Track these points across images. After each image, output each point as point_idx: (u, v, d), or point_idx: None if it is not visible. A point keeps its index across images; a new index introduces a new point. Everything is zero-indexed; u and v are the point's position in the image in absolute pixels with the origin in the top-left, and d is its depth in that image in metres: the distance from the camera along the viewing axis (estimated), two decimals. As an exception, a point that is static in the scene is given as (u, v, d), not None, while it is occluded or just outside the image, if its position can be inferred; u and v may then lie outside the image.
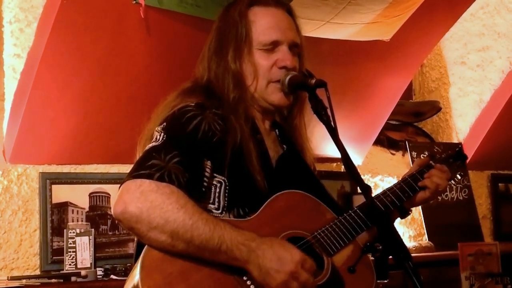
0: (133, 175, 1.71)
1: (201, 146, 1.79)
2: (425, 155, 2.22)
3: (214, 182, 1.82)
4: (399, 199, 2.03)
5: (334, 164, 4.48)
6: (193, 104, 1.85)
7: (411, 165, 2.32)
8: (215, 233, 1.69)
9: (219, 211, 1.82)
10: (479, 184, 5.22)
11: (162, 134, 1.80)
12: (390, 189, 2.04)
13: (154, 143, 1.79)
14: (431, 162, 2.11)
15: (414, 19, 3.81)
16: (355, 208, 1.94)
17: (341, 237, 1.88)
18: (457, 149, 2.18)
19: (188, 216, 1.68)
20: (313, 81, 1.86)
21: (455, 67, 5.18)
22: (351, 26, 3.55)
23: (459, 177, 2.19)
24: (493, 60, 5.02)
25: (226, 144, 1.82)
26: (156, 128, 1.83)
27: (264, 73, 1.93)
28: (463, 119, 5.14)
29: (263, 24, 1.94)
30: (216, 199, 1.82)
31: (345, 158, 1.77)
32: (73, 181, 3.46)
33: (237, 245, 1.70)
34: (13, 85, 3.27)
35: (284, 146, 2.02)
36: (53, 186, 3.39)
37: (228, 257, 1.70)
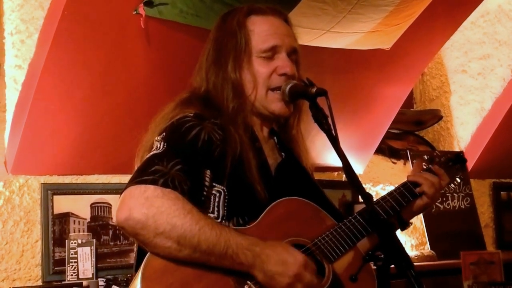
0: (136, 181, 1.71)
1: (201, 155, 1.79)
2: (425, 158, 2.21)
3: (214, 192, 1.82)
4: (399, 204, 2.02)
5: (336, 173, 4.48)
6: (191, 115, 1.85)
7: None
8: (221, 238, 1.69)
9: (219, 220, 1.81)
10: (481, 192, 5.21)
11: (163, 143, 1.80)
12: (389, 194, 2.04)
13: (155, 151, 1.79)
14: (429, 166, 2.11)
15: (415, 27, 3.81)
16: (355, 214, 1.94)
17: (342, 243, 1.88)
18: (457, 153, 2.17)
19: (195, 221, 1.68)
20: (314, 89, 1.86)
21: (456, 75, 5.18)
22: (352, 35, 3.55)
23: (458, 181, 2.19)
24: (494, 68, 5.03)
25: (226, 154, 1.82)
26: (156, 138, 1.83)
27: (263, 81, 1.93)
28: (464, 128, 5.13)
29: (262, 31, 1.95)
30: (216, 208, 1.82)
31: (346, 166, 1.77)
32: (74, 191, 3.46)
33: (242, 250, 1.70)
34: (14, 96, 3.28)
35: (283, 153, 2.02)
36: (55, 197, 3.38)
37: (233, 261, 1.70)
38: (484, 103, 5.05)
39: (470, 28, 5.05)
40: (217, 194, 1.82)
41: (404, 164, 4.91)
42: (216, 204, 1.82)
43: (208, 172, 1.80)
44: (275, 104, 1.94)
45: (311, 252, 1.83)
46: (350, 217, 1.93)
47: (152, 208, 1.66)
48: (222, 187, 1.82)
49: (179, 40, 3.30)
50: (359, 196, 1.77)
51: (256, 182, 1.84)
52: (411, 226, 2.09)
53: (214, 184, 1.82)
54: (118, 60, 3.25)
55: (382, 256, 1.71)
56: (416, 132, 5.16)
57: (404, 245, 2.18)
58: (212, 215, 1.81)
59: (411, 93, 5.10)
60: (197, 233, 1.67)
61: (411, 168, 4.62)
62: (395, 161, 4.94)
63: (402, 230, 2.07)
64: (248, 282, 1.74)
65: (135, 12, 3.09)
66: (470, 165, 5.04)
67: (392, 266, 1.70)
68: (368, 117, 4.40)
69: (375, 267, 1.85)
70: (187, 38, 3.27)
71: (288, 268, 1.70)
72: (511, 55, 4.98)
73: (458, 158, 2.19)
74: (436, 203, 4.77)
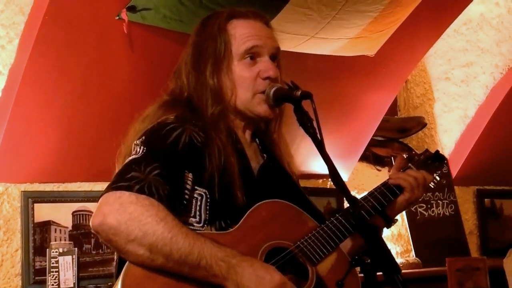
0: (112, 187, 1.69)
1: (181, 158, 1.76)
2: (404, 156, 2.22)
3: (195, 195, 1.79)
4: (380, 204, 2.00)
5: (320, 181, 4.46)
6: (172, 117, 1.83)
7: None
8: (194, 248, 1.65)
9: (201, 225, 1.78)
10: (465, 199, 5.23)
11: (142, 147, 1.77)
12: (370, 193, 2.02)
13: (134, 156, 1.76)
14: (409, 165, 2.10)
15: (398, 35, 3.82)
16: (337, 215, 1.92)
17: (324, 245, 1.85)
18: (436, 151, 2.19)
19: (168, 229, 1.64)
20: (299, 92, 1.83)
21: (440, 82, 5.20)
22: (336, 41, 3.55)
23: (438, 179, 2.19)
24: (477, 76, 5.05)
25: (207, 156, 1.79)
26: (135, 142, 1.80)
27: (248, 85, 1.90)
28: (448, 135, 5.15)
29: (243, 34, 1.92)
30: (198, 212, 1.79)
31: (332, 169, 1.75)
32: (55, 199, 3.42)
33: (216, 261, 1.66)
34: (-6, 102, 3.23)
35: (265, 155, 2.00)
36: (35, 205, 3.34)
37: (207, 273, 1.66)
38: (468, 110, 5.07)
39: (453, 35, 5.07)
40: (199, 198, 1.79)
41: (389, 171, 4.91)
42: (198, 208, 1.79)
43: (190, 175, 1.77)
44: (260, 106, 1.91)
45: (294, 255, 1.80)
46: (332, 218, 1.92)
47: (125, 214, 1.63)
48: (204, 190, 1.79)
49: (162, 46, 3.28)
50: (345, 203, 1.76)
51: (237, 186, 1.81)
52: (397, 229, 2.08)
53: (195, 187, 1.78)
54: (100, 65, 3.23)
55: (369, 261, 1.69)
56: (401, 140, 5.15)
57: (390, 252, 2.16)
58: (194, 219, 1.78)
59: (395, 101, 5.10)
60: (169, 242, 1.63)
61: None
62: (379, 168, 4.94)
63: (388, 227, 2.04)
64: None
65: (117, 17, 3.07)
66: (454, 172, 5.06)
67: (380, 273, 1.68)
68: (352, 124, 4.40)
69: (362, 274, 1.82)
70: (170, 43, 3.25)
71: (262, 285, 1.65)
72: (493, 62, 5.01)
73: (436, 156, 2.20)
74: (421, 210, 4.78)
